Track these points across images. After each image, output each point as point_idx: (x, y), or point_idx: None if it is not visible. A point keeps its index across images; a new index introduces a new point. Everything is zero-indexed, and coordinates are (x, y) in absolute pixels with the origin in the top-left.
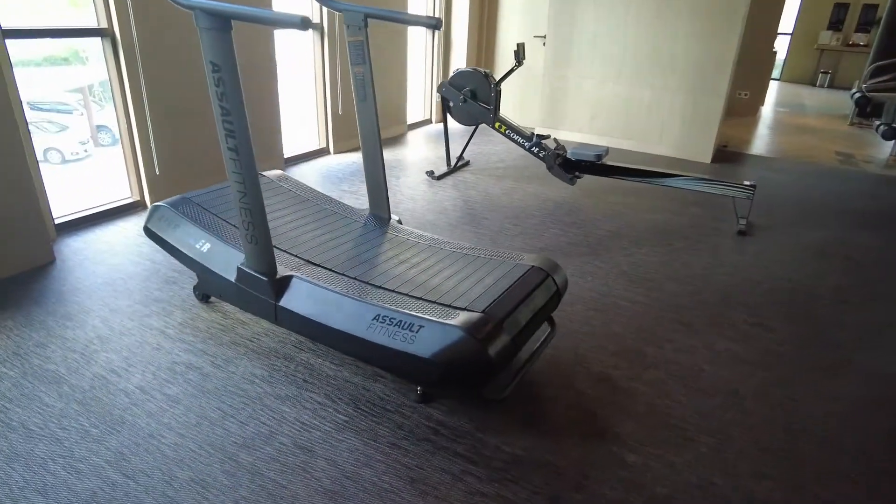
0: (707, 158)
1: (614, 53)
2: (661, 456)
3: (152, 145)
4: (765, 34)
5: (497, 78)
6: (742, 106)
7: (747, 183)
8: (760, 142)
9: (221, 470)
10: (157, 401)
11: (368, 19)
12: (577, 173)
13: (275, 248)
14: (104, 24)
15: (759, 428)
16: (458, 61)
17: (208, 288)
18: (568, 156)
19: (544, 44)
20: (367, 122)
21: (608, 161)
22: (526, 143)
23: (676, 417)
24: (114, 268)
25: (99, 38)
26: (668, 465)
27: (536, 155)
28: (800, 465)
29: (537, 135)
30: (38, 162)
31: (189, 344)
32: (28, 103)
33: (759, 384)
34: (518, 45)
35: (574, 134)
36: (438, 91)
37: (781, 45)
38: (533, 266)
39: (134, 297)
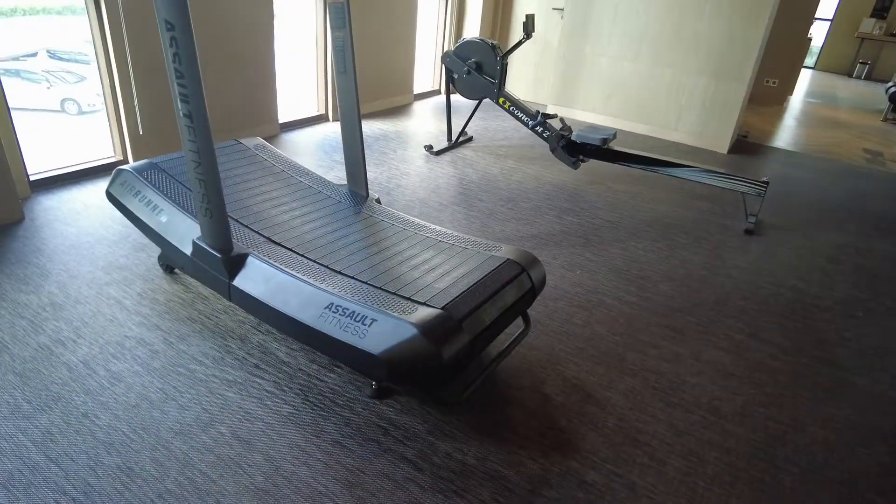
0: (724, 148)
1: (635, 30)
2: (623, 476)
3: (136, 104)
4: (801, 18)
5: (505, 51)
6: (769, 94)
7: (760, 180)
8: (784, 134)
9: (151, 458)
10: (98, 377)
11: None
12: (581, 157)
13: (237, 223)
14: None
15: (736, 452)
16: (472, 30)
17: (169, 259)
18: (573, 138)
19: (562, 17)
20: (347, 91)
21: (615, 146)
22: (529, 122)
23: (647, 434)
24: (83, 230)
25: None
26: (629, 486)
27: (540, 135)
28: (776, 498)
29: (543, 114)
30: (10, 114)
31: (144, 317)
32: (48, 52)
33: (745, 402)
34: (528, 16)
35: (587, 114)
36: (442, 61)
37: (818, 32)
38: (508, 259)
39: (97, 264)
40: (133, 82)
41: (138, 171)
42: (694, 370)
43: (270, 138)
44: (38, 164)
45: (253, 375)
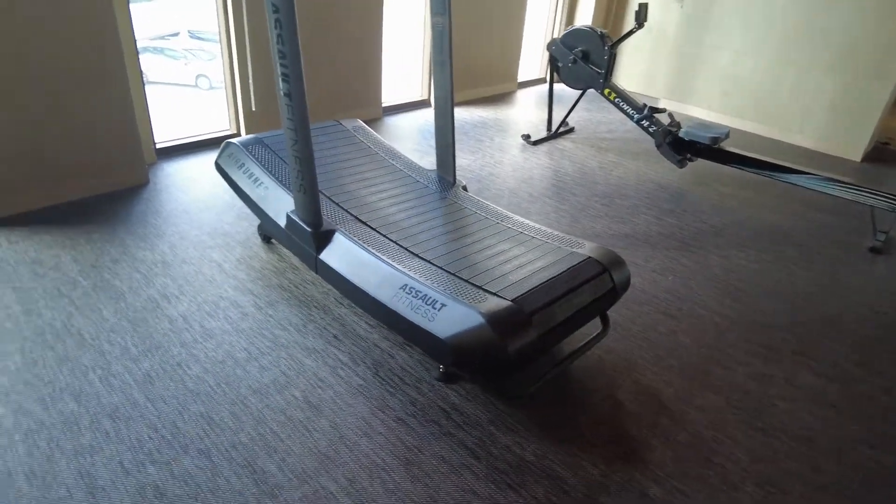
0: (857, 156)
1: (760, 23)
2: (689, 496)
3: (250, 82)
4: None
5: (614, 40)
6: None
7: None
8: None
9: (230, 411)
10: (193, 332)
11: None
12: (688, 155)
13: (328, 200)
14: None
15: (828, 490)
16: (584, 17)
17: (266, 229)
18: (680, 135)
19: (681, 6)
20: (442, 77)
21: (726, 146)
22: (635, 115)
23: (722, 455)
24: (195, 197)
25: None
26: None
27: (646, 129)
28: None
29: (650, 107)
30: (144, 88)
31: (240, 281)
32: (189, 31)
33: (844, 437)
34: (640, 5)
35: (701, 110)
36: (548, 49)
37: None
38: (589, 257)
39: (204, 228)
40: (249, 61)
41: (244, 144)
42: (786, 394)
43: (373, 121)
44: (165, 133)
45: (330, 345)
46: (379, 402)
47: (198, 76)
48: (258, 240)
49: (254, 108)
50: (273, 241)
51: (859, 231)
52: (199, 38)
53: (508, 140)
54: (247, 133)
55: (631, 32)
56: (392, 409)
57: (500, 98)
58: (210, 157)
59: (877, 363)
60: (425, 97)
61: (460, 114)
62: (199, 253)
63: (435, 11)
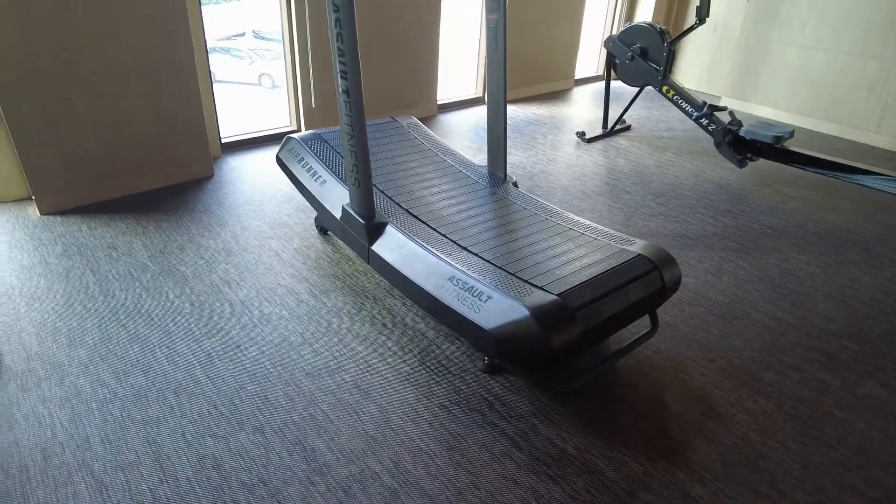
0: None
1: (838, 15)
2: (734, 499)
3: (311, 80)
4: None
5: (674, 36)
6: None
7: None
8: None
9: (283, 392)
10: (252, 316)
11: None
12: (749, 155)
13: (381, 194)
14: None
15: None
16: (645, 13)
17: (323, 221)
18: (741, 133)
19: (748, 0)
20: (496, 74)
21: (790, 146)
22: (694, 113)
23: (771, 461)
24: (257, 189)
25: None
26: None
27: (705, 128)
28: None
29: (710, 105)
30: (212, 86)
31: (296, 270)
32: (253, 32)
33: None
34: (701, 0)
35: (766, 109)
36: (605, 45)
37: None
38: (639, 255)
39: (264, 219)
40: (310, 59)
41: (304, 139)
42: (844, 404)
43: (428, 118)
44: (230, 128)
45: (380, 333)
46: (425, 390)
47: (261, 75)
48: (315, 231)
49: (313, 105)
50: (329, 232)
51: None
52: (263, 39)
53: (562, 137)
54: (306, 129)
55: (691, 28)
56: (437, 396)
57: (556, 95)
58: (271, 152)
59: None
60: (479, 95)
61: (514, 111)
62: (259, 242)
63: (490, 8)
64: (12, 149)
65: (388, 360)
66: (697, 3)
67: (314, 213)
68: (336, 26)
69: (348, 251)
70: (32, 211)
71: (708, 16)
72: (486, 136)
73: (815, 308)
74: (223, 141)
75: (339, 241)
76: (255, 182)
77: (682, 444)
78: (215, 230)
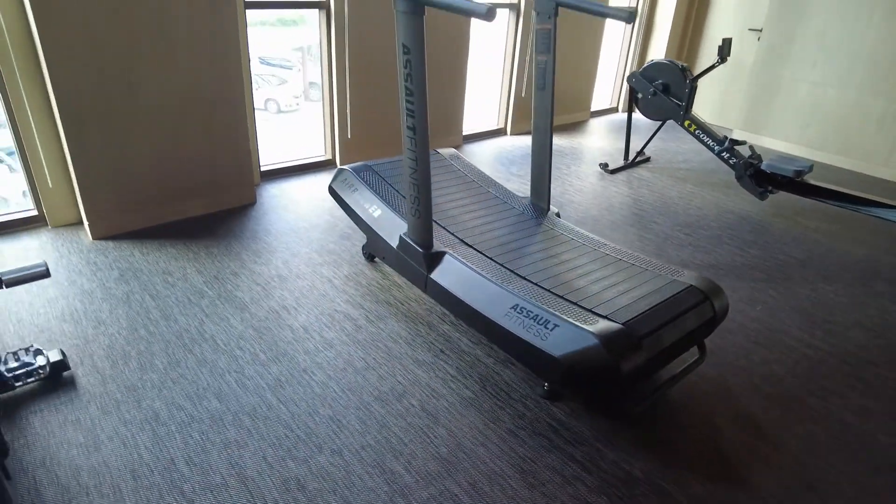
0: None
1: (845, 54)
2: None
3: (348, 113)
4: None
5: (696, 73)
6: None
7: None
8: None
9: (356, 416)
10: (314, 341)
11: (559, 8)
12: (770, 188)
13: (435, 224)
14: None
15: None
16: (658, 50)
17: (374, 249)
18: (762, 167)
19: (759, 38)
20: (543, 111)
21: (810, 179)
22: (716, 147)
23: (825, 483)
24: (300, 217)
25: (317, 10)
26: None
27: (726, 161)
28: None
29: (731, 139)
30: (255, 114)
31: (350, 296)
32: (259, 58)
33: None
34: (724, 40)
35: (778, 142)
36: (628, 81)
37: None
38: (690, 285)
39: (312, 246)
40: (348, 94)
41: (356, 171)
42: (888, 429)
43: (454, 148)
44: (263, 156)
45: (438, 359)
46: (490, 415)
47: (267, 100)
48: (362, 258)
49: (349, 136)
50: (376, 259)
51: None
52: (269, 65)
53: (585, 168)
54: (342, 159)
55: (713, 67)
56: (503, 421)
57: (574, 126)
58: (309, 181)
59: None
60: (501, 126)
61: None
62: (310, 269)
63: (539, 50)
64: (68, 177)
65: (450, 385)
66: (720, 44)
67: (359, 241)
68: (406, 67)
69: (397, 278)
70: (84, 235)
71: (729, 55)
72: (510, 166)
73: (848, 336)
74: (262, 169)
75: (387, 268)
76: (297, 210)
77: (738, 467)
78: (266, 256)
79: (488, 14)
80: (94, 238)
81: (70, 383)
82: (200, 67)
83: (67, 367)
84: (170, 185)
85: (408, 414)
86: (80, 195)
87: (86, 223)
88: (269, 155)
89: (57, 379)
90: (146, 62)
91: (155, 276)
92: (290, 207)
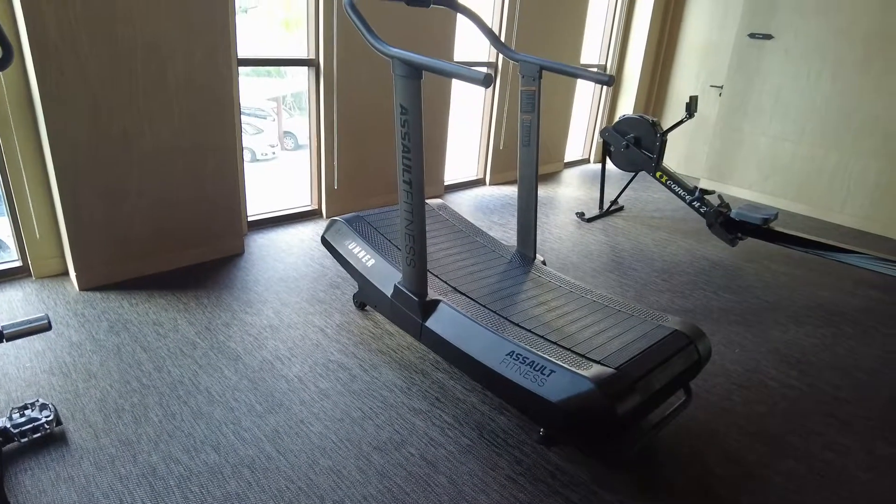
0: None
1: (800, 110)
2: None
3: (335, 163)
4: None
5: (665, 127)
6: None
7: None
8: None
9: (356, 466)
10: (310, 392)
11: (543, 71)
12: (739, 235)
13: (428, 272)
14: (312, 56)
15: None
16: (626, 106)
17: (366, 298)
18: (731, 215)
19: (720, 94)
20: (528, 165)
21: (776, 226)
22: (687, 197)
23: None
24: (289, 266)
25: (307, 68)
26: None
27: (697, 210)
28: None
29: (701, 189)
30: (243, 164)
31: (343, 345)
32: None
33: None
34: (691, 97)
35: (742, 191)
36: (601, 135)
37: None
38: (675, 330)
39: (302, 296)
40: (335, 143)
41: (349, 221)
42: (865, 465)
43: (436, 198)
44: (250, 206)
45: (434, 407)
46: (489, 462)
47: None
48: (353, 307)
49: (335, 186)
50: (367, 308)
51: None
52: (243, 114)
53: (562, 217)
54: (328, 210)
55: (681, 122)
56: (501, 468)
57: (549, 177)
58: (295, 230)
59: None
60: (480, 176)
61: (514, 192)
62: (302, 318)
63: (524, 109)
64: (56, 228)
65: (448, 433)
66: (687, 101)
67: (349, 289)
68: (404, 126)
69: (389, 326)
70: (70, 286)
71: (696, 111)
72: (491, 215)
73: (822, 376)
74: (249, 219)
75: (379, 316)
76: (285, 259)
77: None
78: (257, 307)
79: (485, 81)
80: (80, 289)
81: (61, 439)
82: (195, 118)
83: (59, 423)
84: (160, 235)
85: (407, 463)
86: (69, 246)
87: (73, 274)
88: (251, 204)
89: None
90: (143, 114)
91: (145, 327)
92: (279, 257)
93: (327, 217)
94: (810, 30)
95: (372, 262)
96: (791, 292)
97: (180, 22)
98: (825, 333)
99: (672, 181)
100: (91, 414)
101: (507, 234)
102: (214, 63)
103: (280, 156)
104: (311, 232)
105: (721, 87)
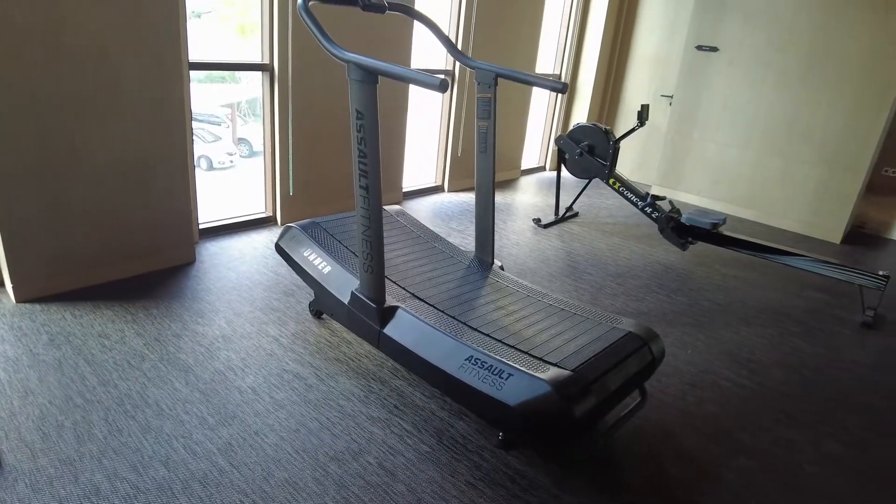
0: (837, 238)
1: (745, 119)
2: None
3: (290, 170)
4: None
5: (617, 136)
6: (888, 184)
7: (880, 273)
8: None
9: (312, 476)
10: (264, 402)
11: (498, 79)
12: (690, 239)
13: (386, 279)
14: (266, 61)
15: None
16: (580, 114)
17: (322, 306)
18: (682, 220)
19: (670, 103)
20: (485, 172)
21: (725, 231)
22: (639, 203)
23: None
24: (242, 275)
25: (261, 73)
26: None
27: (649, 215)
28: None
29: (652, 195)
30: (194, 171)
31: (298, 355)
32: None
33: (869, 499)
34: (642, 105)
35: (693, 197)
36: (556, 143)
37: None
38: (630, 332)
39: (256, 304)
40: (291, 150)
41: (304, 228)
42: (811, 459)
43: (394, 204)
44: (203, 213)
45: (393, 415)
46: (448, 468)
47: (199, 157)
48: (309, 315)
49: (291, 193)
50: (324, 316)
51: (849, 308)
52: (197, 120)
53: (520, 223)
54: (283, 216)
55: (633, 130)
56: (461, 473)
57: (507, 184)
58: (249, 238)
59: (887, 428)
60: (439, 183)
61: (472, 198)
62: (255, 328)
63: (481, 116)
64: None
65: (406, 440)
66: (639, 109)
67: (304, 297)
68: (360, 131)
69: (346, 334)
70: (6, 299)
71: (648, 119)
72: (450, 221)
73: (770, 374)
74: (201, 227)
75: (336, 324)
76: (238, 268)
77: (685, 503)
78: (209, 317)
79: (441, 86)
80: (17, 301)
81: None
82: (145, 126)
83: None
84: (106, 245)
85: (365, 472)
86: (5, 256)
87: (8, 285)
88: (203, 211)
89: None
90: (91, 122)
91: (90, 339)
92: (232, 265)
93: (282, 224)
94: (753, 43)
95: (328, 269)
96: (740, 295)
97: (129, 28)
98: (773, 333)
99: (625, 188)
100: (28, 433)
101: (465, 240)
102: (164, 69)
103: (238, 164)
104: (265, 239)
105: (671, 97)
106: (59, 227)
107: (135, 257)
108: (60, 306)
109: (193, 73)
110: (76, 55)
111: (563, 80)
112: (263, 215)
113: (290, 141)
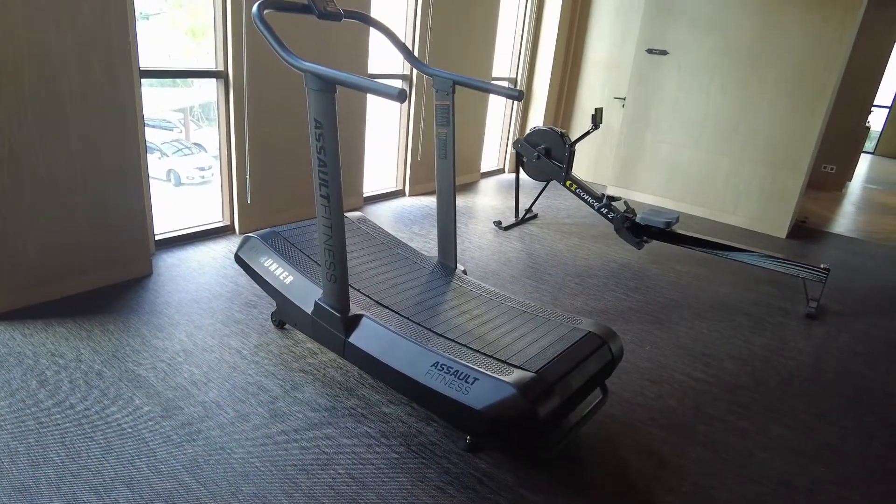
0: (782, 233)
1: (694, 120)
2: None
3: (247, 178)
4: (858, 108)
5: (573, 139)
6: (827, 180)
7: (822, 266)
8: (843, 220)
9: (281, 489)
10: (229, 417)
11: (456, 86)
12: (645, 238)
13: (349, 287)
14: (221, 68)
15: None
16: (536, 118)
17: (285, 316)
18: (637, 220)
19: (623, 106)
20: (445, 178)
21: (678, 229)
22: (595, 204)
23: (721, 500)
24: (201, 286)
25: (215, 80)
26: None
27: (605, 216)
28: None
29: (608, 196)
30: (149, 181)
31: (262, 367)
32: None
33: (815, 479)
34: (596, 109)
35: (647, 196)
36: (514, 146)
37: (879, 118)
38: (590, 332)
39: (217, 317)
40: (247, 159)
41: (264, 237)
42: (762, 445)
43: (355, 210)
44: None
45: (361, 424)
46: (417, 474)
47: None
48: (272, 326)
49: (248, 202)
50: (287, 326)
51: (794, 300)
52: (148, 125)
53: (480, 226)
54: (241, 225)
55: (588, 133)
56: (430, 479)
57: (467, 187)
58: (207, 248)
59: (829, 414)
60: (400, 188)
61: (434, 202)
62: (217, 341)
63: (440, 123)
64: None
65: (375, 449)
66: (593, 113)
67: (266, 308)
68: (319, 140)
69: (311, 344)
70: None
71: (602, 122)
72: (412, 226)
73: (723, 367)
74: (157, 238)
75: (300, 334)
76: (197, 279)
77: (647, 495)
78: (168, 331)
79: (400, 96)
80: None
81: None
82: (94, 136)
83: None
84: (56, 260)
85: (335, 483)
86: None
87: None
88: (159, 222)
89: None
90: (33, 132)
91: (42, 359)
92: (190, 277)
93: (241, 233)
94: (700, 48)
95: (290, 278)
96: (694, 290)
97: (71, 30)
98: (725, 327)
99: (581, 189)
100: None
101: (428, 244)
102: (112, 76)
103: (213, 181)
104: (223, 249)
105: (624, 99)
106: (4, 243)
107: (87, 271)
108: (8, 326)
109: (145, 80)
110: (12, 63)
111: (518, 84)
112: (221, 224)
113: (247, 148)
